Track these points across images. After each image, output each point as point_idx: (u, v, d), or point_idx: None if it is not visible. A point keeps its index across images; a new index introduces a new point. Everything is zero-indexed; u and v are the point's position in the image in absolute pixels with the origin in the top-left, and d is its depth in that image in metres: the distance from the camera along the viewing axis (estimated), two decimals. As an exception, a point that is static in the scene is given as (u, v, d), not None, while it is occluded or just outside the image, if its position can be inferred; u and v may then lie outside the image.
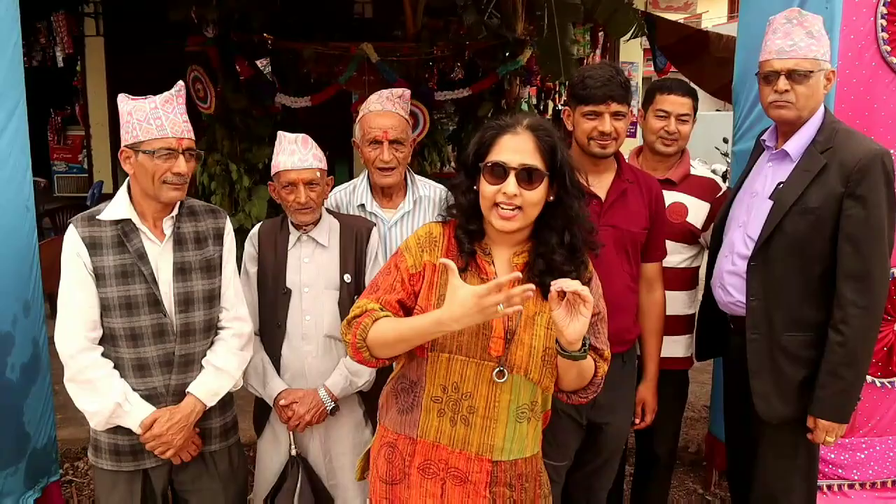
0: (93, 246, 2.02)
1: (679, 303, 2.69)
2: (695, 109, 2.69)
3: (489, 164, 1.65)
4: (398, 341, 1.63)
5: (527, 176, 1.62)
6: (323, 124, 5.58)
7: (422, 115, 5.41)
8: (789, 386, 2.22)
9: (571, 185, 1.69)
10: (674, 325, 2.67)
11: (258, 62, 5.24)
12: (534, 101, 5.95)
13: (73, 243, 2.03)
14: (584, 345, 1.58)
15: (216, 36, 4.98)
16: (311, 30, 5.34)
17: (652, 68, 7.09)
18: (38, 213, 6.78)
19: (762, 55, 2.24)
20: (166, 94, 2.03)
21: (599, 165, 2.33)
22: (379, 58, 5.13)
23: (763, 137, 2.39)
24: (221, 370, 2.13)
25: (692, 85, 2.79)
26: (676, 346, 2.72)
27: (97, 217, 2.05)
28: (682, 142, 2.69)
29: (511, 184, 1.62)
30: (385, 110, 2.49)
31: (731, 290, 2.34)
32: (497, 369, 1.66)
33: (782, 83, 2.16)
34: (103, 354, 2.06)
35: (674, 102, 2.65)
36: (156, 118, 1.99)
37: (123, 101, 2.05)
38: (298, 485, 2.33)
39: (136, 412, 2.03)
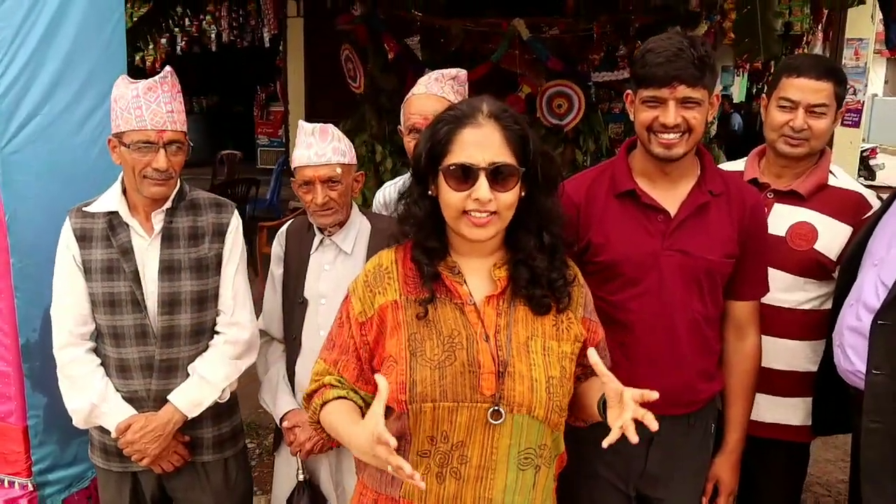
0: (83, 238, 1.95)
1: (800, 356, 2.05)
2: (838, 98, 1.98)
3: (451, 167, 1.37)
4: (342, 436, 1.42)
5: (499, 176, 1.36)
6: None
7: (577, 98, 4.92)
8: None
9: (544, 180, 1.43)
10: (790, 383, 2.05)
11: (407, 40, 5.07)
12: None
13: (64, 236, 1.97)
14: None
15: (364, 14, 4.88)
16: (461, 5, 5.05)
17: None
18: (214, 186, 7.29)
19: None
20: (150, 80, 1.87)
21: (670, 171, 1.79)
22: (531, 34, 4.72)
23: None
24: (206, 379, 1.97)
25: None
26: (793, 412, 2.08)
27: (88, 209, 1.96)
28: (816, 141, 2.00)
29: (483, 187, 1.35)
30: (429, 93, 2.15)
31: (851, 355, 1.69)
32: (492, 409, 1.38)
33: None
34: (96, 351, 1.99)
35: (803, 88, 1.97)
36: (136, 107, 1.84)
37: (117, 84, 1.93)
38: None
39: (114, 414, 1.94)
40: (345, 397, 1.48)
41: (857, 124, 6.81)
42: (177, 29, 8.99)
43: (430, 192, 1.43)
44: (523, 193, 1.41)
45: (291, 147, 10.13)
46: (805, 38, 7.60)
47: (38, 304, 2.21)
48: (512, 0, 5.02)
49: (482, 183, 1.34)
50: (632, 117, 1.81)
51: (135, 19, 6.96)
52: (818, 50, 7.96)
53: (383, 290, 1.47)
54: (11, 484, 2.34)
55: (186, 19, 8.95)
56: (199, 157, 11.13)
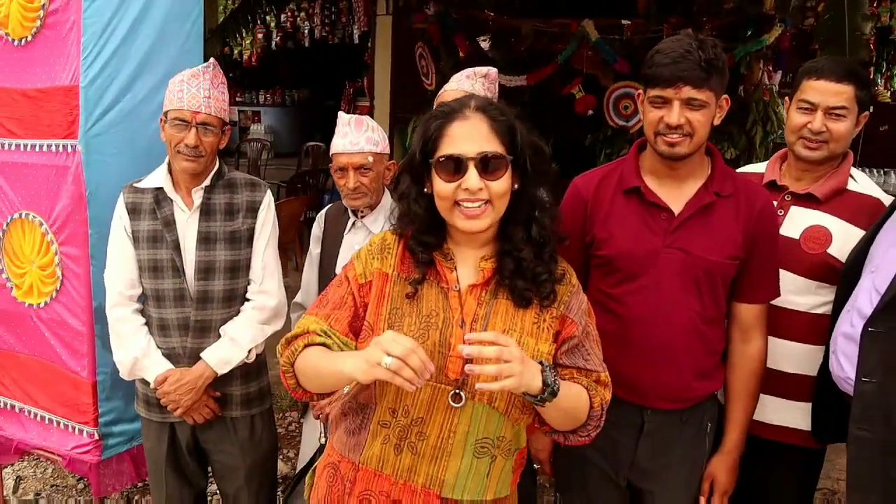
0: (133, 211, 2.19)
1: (809, 360, 2.02)
2: (860, 101, 1.95)
3: (441, 159, 1.43)
4: (318, 377, 1.46)
5: (489, 165, 1.40)
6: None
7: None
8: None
9: (533, 170, 1.46)
10: (798, 386, 2.03)
11: (479, 39, 5.18)
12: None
13: (118, 209, 2.22)
14: (546, 384, 1.34)
15: (437, 13, 5.03)
16: (533, 5, 5.12)
17: None
18: (296, 175, 7.61)
19: None
20: (194, 68, 2.11)
21: (678, 169, 1.83)
22: (599, 36, 4.74)
23: None
24: (235, 340, 2.18)
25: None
26: (800, 416, 2.05)
27: (138, 185, 2.20)
28: (835, 144, 1.98)
29: (473, 177, 1.39)
30: (460, 90, 2.26)
31: (844, 362, 1.69)
32: (453, 392, 1.44)
33: None
34: (142, 312, 2.23)
35: (823, 90, 1.95)
36: (178, 90, 2.10)
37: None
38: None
39: (154, 368, 2.18)
40: (329, 346, 1.49)
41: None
42: (273, 24, 9.41)
43: (425, 191, 1.48)
44: (516, 186, 1.45)
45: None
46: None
47: (111, 272, 2.49)
48: (583, 1, 5.05)
49: (472, 173, 1.39)
50: (641, 116, 1.87)
51: (225, 13, 7.34)
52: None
53: (382, 259, 1.54)
54: (81, 431, 2.61)
55: (282, 15, 9.37)
56: (289, 149, 11.64)
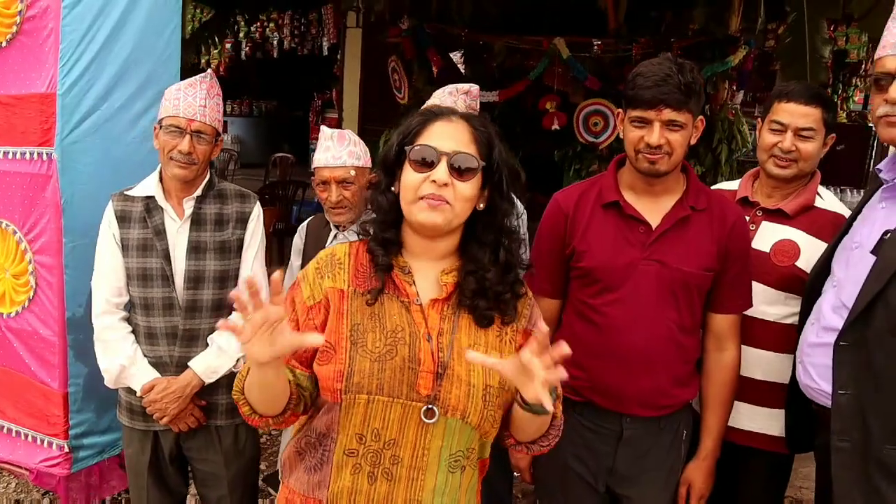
0: (122, 219, 2.19)
1: (779, 368, 2.11)
2: (826, 123, 2.07)
3: (417, 148, 1.41)
4: (253, 387, 1.39)
5: (460, 165, 1.39)
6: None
7: (613, 116, 4.99)
8: (891, 520, 1.61)
9: (508, 193, 1.46)
10: (769, 393, 2.12)
11: (452, 55, 5.24)
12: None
13: (107, 216, 2.22)
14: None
15: (411, 27, 5.08)
16: (506, 22, 5.20)
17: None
18: (264, 186, 7.57)
19: (878, 51, 1.66)
20: (191, 79, 2.13)
21: (655, 185, 1.91)
22: (570, 53, 4.84)
23: (879, 167, 1.75)
24: (223, 350, 2.19)
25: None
26: (772, 422, 2.13)
27: (129, 193, 2.19)
28: (804, 164, 2.10)
29: (442, 170, 1.38)
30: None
31: (813, 373, 1.76)
32: (426, 407, 1.39)
33: (894, 91, 1.56)
34: (128, 320, 2.22)
35: (792, 112, 2.07)
36: (175, 98, 2.13)
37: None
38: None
39: (140, 376, 2.17)
40: None
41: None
42: (242, 35, 9.38)
43: (393, 189, 1.45)
44: (482, 205, 1.45)
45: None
46: (864, 66, 7.49)
47: (85, 281, 2.41)
48: (555, 19, 5.15)
49: (442, 166, 1.38)
50: (621, 135, 1.94)
51: (198, 23, 7.29)
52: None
53: (333, 277, 1.47)
54: (50, 444, 2.56)
55: (252, 26, 9.34)
56: (257, 159, 11.57)
